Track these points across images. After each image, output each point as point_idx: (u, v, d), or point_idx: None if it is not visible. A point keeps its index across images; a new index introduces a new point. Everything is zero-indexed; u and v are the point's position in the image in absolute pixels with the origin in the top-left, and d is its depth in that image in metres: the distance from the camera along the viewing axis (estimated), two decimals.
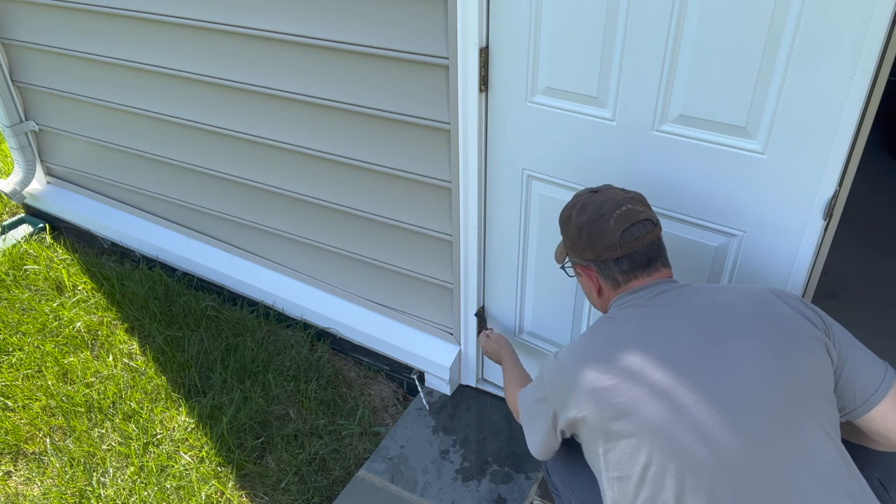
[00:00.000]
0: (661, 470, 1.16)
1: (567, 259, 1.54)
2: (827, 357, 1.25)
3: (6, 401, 2.38)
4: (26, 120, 3.07)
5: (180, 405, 2.37)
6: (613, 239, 1.38)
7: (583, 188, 1.81)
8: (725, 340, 1.24)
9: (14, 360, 2.54)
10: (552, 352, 2.16)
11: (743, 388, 1.18)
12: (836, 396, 1.26)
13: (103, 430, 2.30)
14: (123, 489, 2.11)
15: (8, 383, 2.44)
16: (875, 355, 1.31)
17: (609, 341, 1.31)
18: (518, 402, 1.53)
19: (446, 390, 2.38)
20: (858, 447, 1.36)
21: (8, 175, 3.33)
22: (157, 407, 2.37)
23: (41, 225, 3.27)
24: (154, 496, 2.08)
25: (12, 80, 2.97)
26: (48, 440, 2.27)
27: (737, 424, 1.15)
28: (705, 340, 1.25)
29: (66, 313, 2.73)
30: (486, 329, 2.18)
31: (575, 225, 1.44)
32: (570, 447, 1.49)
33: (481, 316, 2.23)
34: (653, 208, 1.71)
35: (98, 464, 2.20)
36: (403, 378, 2.45)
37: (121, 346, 2.60)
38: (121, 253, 3.10)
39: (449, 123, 1.90)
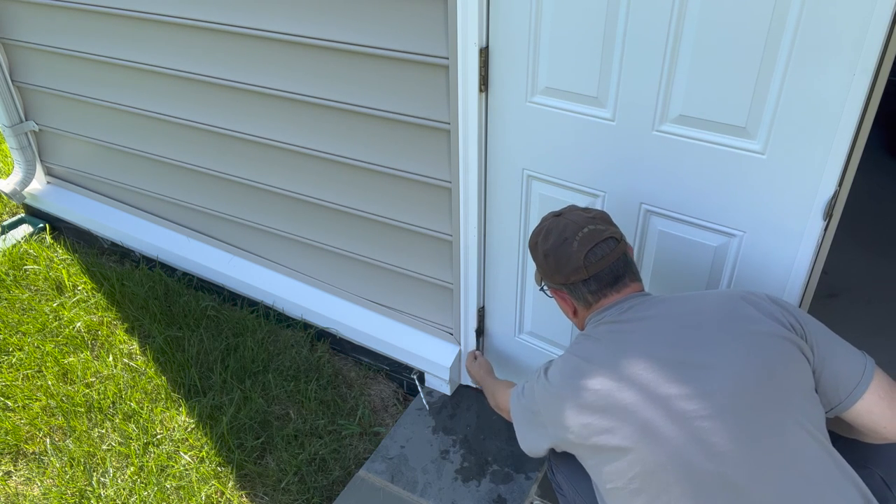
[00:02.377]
0: (653, 479, 1.18)
1: (543, 283, 1.57)
2: (801, 356, 1.25)
3: (6, 401, 2.38)
4: (26, 120, 3.07)
5: (180, 405, 2.37)
6: (578, 261, 1.41)
7: (582, 189, 1.82)
8: (696, 348, 1.25)
9: (14, 360, 2.54)
10: (552, 353, 2.17)
11: (719, 393, 1.19)
12: (819, 394, 1.26)
13: (103, 430, 2.30)
14: (123, 489, 2.11)
15: (8, 383, 2.44)
16: (854, 348, 1.32)
17: (588, 359, 1.34)
18: (510, 404, 1.56)
19: (446, 390, 2.38)
20: (860, 445, 1.36)
21: (8, 175, 3.34)
22: (157, 407, 2.37)
23: (41, 225, 3.27)
24: (154, 496, 2.08)
25: (12, 80, 2.97)
26: (48, 440, 2.27)
27: (722, 429, 1.16)
28: (676, 350, 1.26)
29: (66, 313, 2.73)
30: (476, 350, 2.21)
31: (541, 251, 1.48)
32: None
33: (480, 324, 2.24)
34: (653, 208, 1.73)
35: (98, 464, 2.20)
36: (403, 378, 2.45)
37: (121, 346, 2.60)
38: (121, 253, 3.10)
39: (449, 123, 1.90)
